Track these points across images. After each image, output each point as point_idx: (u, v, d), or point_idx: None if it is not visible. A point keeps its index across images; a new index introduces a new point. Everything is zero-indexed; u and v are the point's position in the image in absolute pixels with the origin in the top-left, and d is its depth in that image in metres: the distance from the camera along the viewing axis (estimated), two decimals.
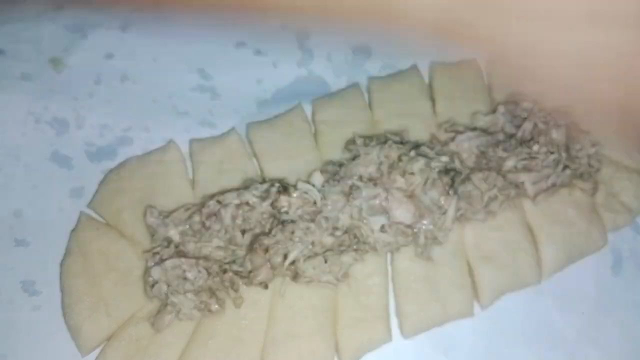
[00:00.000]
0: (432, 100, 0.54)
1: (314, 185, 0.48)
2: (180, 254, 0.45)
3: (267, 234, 0.46)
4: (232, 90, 0.55)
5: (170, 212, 0.47)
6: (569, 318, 0.51)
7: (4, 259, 0.47)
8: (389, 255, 0.49)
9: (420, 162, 0.48)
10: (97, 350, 0.45)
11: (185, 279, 0.45)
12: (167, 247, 0.46)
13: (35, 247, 0.48)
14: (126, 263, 0.46)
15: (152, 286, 0.45)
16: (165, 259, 0.45)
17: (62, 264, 0.46)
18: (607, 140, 0.53)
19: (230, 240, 0.46)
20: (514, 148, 0.50)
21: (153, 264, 0.45)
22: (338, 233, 0.47)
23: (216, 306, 0.45)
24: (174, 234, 0.46)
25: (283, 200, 0.47)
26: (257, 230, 0.47)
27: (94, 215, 0.48)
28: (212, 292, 0.45)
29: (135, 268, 0.46)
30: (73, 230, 0.47)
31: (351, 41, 0.57)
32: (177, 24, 0.55)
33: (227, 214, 0.46)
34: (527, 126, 0.51)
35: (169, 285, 0.45)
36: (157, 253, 0.46)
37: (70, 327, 0.45)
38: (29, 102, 0.51)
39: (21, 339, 0.45)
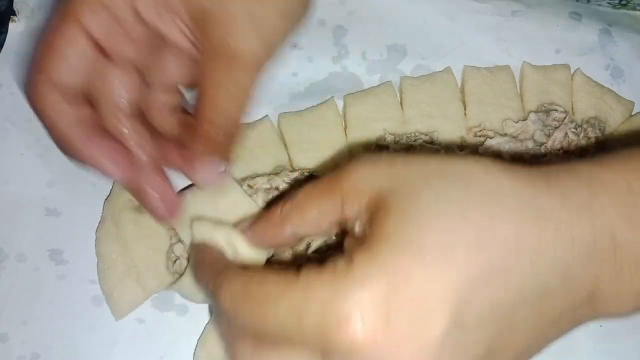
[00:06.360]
0: (464, 103, 0.54)
1: None
2: None
3: None
4: (266, 82, 0.55)
5: None
6: (586, 329, 0.50)
7: (34, 226, 0.48)
8: None
9: None
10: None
11: None
12: None
13: (65, 217, 0.49)
14: (155, 232, 0.47)
15: (174, 262, 0.46)
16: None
17: (97, 231, 0.48)
18: None
19: None
20: (543, 156, 0.50)
21: (176, 241, 0.46)
22: None
23: None
24: None
25: None
26: None
27: None
28: None
29: (163, 240, 0.47)
30: (107, 199, 0.49)
31: (387, 40, 0.58)
32: None
33: (257, 199, 0.47)
34: (558, 135, 0.51)
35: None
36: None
37: (104, 291, 0.46)
38: None
39: (44, 306, 0.47)
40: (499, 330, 0.29)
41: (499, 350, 0.30)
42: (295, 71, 0.56)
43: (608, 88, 0.58)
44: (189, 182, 0.50)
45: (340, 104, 0.54)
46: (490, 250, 0.28)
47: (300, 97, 0.55)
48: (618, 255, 0.30)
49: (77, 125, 0.39)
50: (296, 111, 0.53)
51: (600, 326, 0.51)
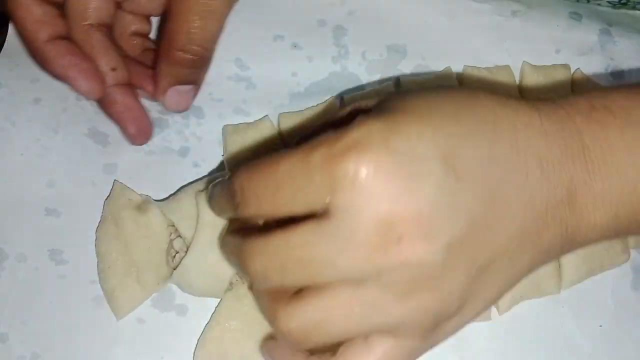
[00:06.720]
0: None
1: None
2: None
3: None
4: (266, 82, 0.56)
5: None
6: (586, 330, 0.51)
7: (34, 226, 0.48)
8: None
9: None
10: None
11: None
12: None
13: (66, 217, 0.49)
14: (155, 231, 0.47)
15: (174, 257, 0.46)
16: None
17: (97, 231, 0.48)
18: None
19: None
20: None
21: (176, 236, 0.47)
22: None
23: (237, 279, 0.46)
24: None
25: None
26: None
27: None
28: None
29: (163, 239, 0.47)
30: (107, 198, 0.49)
31: (387, 40, 0.58)
32: None
33: None
34: None
35: None
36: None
37: (104, 291, 0.46)
38: None
39: (44, 306, 0.47)
40: (491, 195, 0.30)
41: (494, 225, 0.31)
42: (295, 71, 0.56)
43: None
44: (189, 181, 0.50)
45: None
46: (472, 118, 0.31)
47: (300, 97, 0.55)
48: (587, 156, 0.33)
49: (52, 41, 0.42)
50: (296, 111, 0.53)
51: (600, 326, 0.51)
